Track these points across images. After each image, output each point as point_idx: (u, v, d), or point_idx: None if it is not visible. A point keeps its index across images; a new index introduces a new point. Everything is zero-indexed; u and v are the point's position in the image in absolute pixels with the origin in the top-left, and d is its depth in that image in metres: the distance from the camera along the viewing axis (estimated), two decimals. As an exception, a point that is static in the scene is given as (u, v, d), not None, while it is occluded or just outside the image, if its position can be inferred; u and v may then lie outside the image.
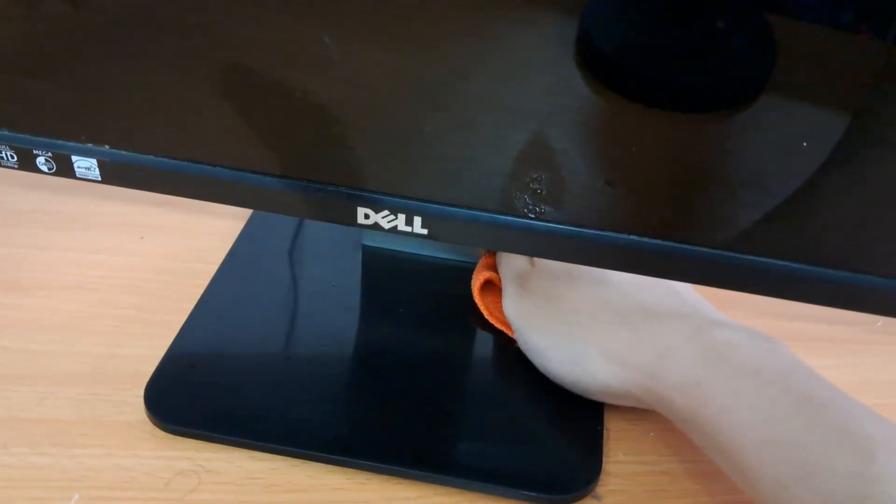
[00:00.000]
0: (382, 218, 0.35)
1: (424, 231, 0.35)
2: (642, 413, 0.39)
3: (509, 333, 0.41)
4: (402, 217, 0.35)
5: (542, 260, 0.40)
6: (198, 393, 0.37)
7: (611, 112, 0.30)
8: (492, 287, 0.44)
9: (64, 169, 0.35)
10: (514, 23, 0.28)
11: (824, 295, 0.34)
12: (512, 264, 0.42)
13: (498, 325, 0.42)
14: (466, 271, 0.45)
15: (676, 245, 0.33)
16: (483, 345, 0.42)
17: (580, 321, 0.37)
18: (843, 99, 0.28)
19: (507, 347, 0.41)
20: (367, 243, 0.48)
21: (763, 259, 0.33)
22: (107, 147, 0.35)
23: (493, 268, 0.44)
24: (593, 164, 0.32)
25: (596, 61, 0.29)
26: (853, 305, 0.34)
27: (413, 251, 0.48)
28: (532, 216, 0.34)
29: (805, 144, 0.30)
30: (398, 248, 0.48)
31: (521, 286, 0.40)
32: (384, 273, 0.46)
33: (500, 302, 0.42)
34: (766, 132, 0.30)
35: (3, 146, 0.35)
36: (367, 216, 0.35)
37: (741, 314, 0.47)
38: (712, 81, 0.29)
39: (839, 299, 0.34)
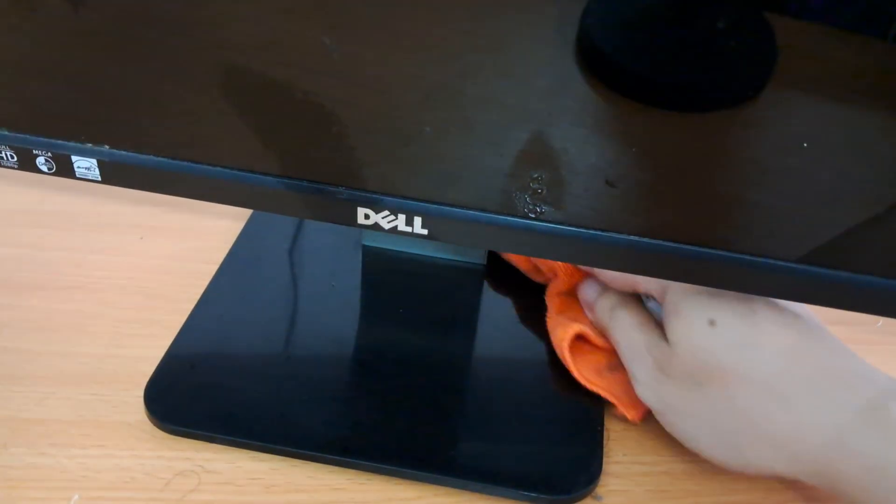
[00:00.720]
0: (383, 218, 0.35)
1: (425, 231, 0.35)
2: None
3: (608, 398, 0.38)
4: (402, 217, 0.35)
5: (685, 334, 0.34)
6: (198, 393, 0.37)
7: (611, 112, 0.30)
8: (583, 343, 0.39)
9: (64, 169, 0.35)
10: (515, 22, 0.28)
11: (825, 295, 0.34)
12: (641, 335, 0.36)
13: (593, 389, 0.38)
14: (466, 271, 0.45)
15: (676, 246, 0.33)
16: (483, 345, 0.42)
17: (735, 407, 0.33)
18: (846, 96, 0.28)
19: (507, 347, 0.41)
20: (366, 243, 0.48)
21: (764, 259, 0.33)
22: (107, 147, 0.35)
23: (579, 316, 0.40)
24: (594, 164, 0.32)
25: (596, 60, 0.29)
26: (854, 306, 0.34)
27: (413, 251, 0.48)
28: (532, 216, 0.34)
29: (805, 145, 0.30)
30: (398, 248, 0.48)
31: (659, 370, 0.35)
32: (384, 273, 0.46)
33: (595, 362, 0.38)
34: (767, 131, 0.30)
35: (3, 146, 0.35)
36: (367, 216, 0.35)
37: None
38: (712, 80, 0.29)
39: (839, 300, 0.34)
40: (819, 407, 0.31)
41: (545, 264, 0.43)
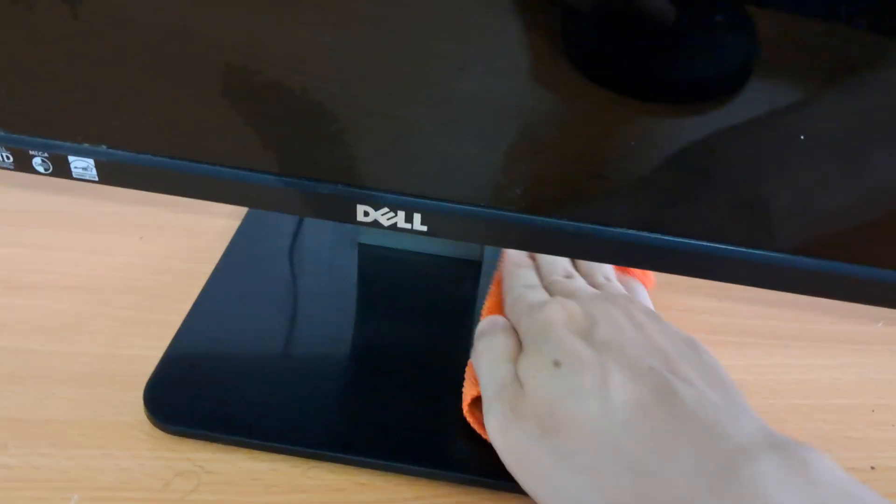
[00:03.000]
0: (382, 215, 0.35)
1: (424, 228, 0.35)
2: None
3: None
4: (401, 214, 0.35)
5: (532, 374, 0.32)
6: (198, 393, 0.37)
7: (602, 106, 0.30)
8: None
9: (61, 169, 0.35)
10: (506, 19, 0.28)
11: (826, 287, 0.34)
12: (496, 373, 0.33)
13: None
14: (462, 267, 0.44)
15: (669, 238, 0.33)
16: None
17: (581, 462, 0.29)
18: (835, 87, 0.28)
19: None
20: (363, 240, 0.48)
21: (760, 252, 0.33)
22: (104, 147, 0.34)
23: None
24: (586, 157, 0.32)
25: (584, 55, 0.29)
26: (856, 298, 0.34)
27: (410, 248, 0.48)
28: (529, 211, 0.34)
29: (802, 137, 0.30)
30: (395, 246, 0.48)
31: (511, 409, 0.32)
32: (381, 270, 0.46)
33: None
34: (755, 123, 0.30)
35: (-1, 147, 0.35)
36: (366, 213, 0.35)
37: (742, 312, 0.47)
38: (698, 73, 0.29)
39: (841, 291, 0.34)
40: (665, 470, 0.27)
41: None
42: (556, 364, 0.31)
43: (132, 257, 0.47)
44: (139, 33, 0.31)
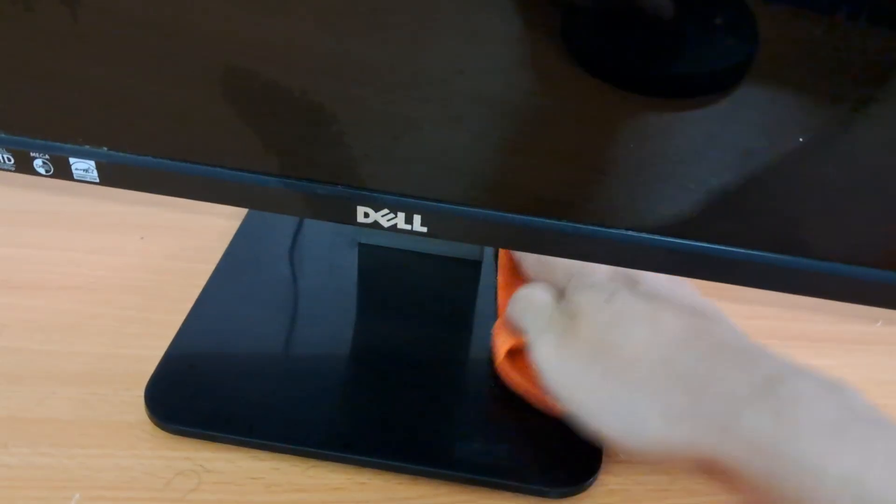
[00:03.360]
0: (382, 216, 0.35)
1: (424, 229, 0.35)
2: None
3: (541, 401, 0.37)
4: (401, 215, 0.35)
5: (583, 306, 0.35)
6: (198, 393, 0.37)
7: (602, 105, 0.30)
8: (519, 355, 0.38)
9: (61, 171, 0.35)
10: (505, 18, 0.28)
11: (826, 287, 0.34)
12: (543, 311, 0.36)
13: (534, 397, 0.37)
14: (462, 266, 0.44)
15: (669, 239, 0.33)
16: (481, 339, 0.42)
17: (635, 378, 0.32)
18: (831, 90, 0.28)
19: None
20: (363, 240, 0.48)
21: (759, 253, 0.33)
22: (105, 149, 0.34)
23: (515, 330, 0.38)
24: (587, 157, 0.32)
25: (585, 53, 0.29)
26: (856, 298, 0.34)
27: (410, 248, 0.48)
28: (529, 211, 0.34)
29: (801, 138, 0.30)
30: (395, 246, 0.48)
31: (562, 337, 0.34)
32: (381, 270, 0.46)
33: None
34: (755, 119, 0.30)
35: (0, 149, 0.35)
36: (366, 215, 0.35)
37: (741, 312, 0.47)
38: (699, 68, 0.29)
39: (840, 292, 0.34)
40: (714, 383, 0.31)
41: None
42: (608, 299, 0.34)
43: (133, 257, 0.47)
44: (139, 35, 0.31)
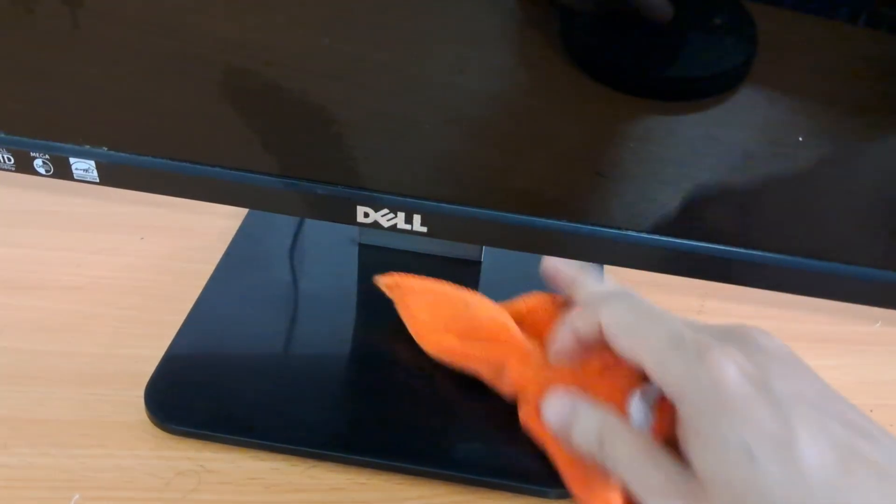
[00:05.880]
0: (382, 216, 0.35)
1: (424, 229, 0.35)
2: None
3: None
4: (401, 215, 0.35)
5: (716, 470, 0.25)
6: (198, 393, 0.37)
7: (601, 105, 0.30)
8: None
9: (61, 171, 0.35)
10: (505, 19, 0.28)
11: (826, 287, 0.34)
12: (650, 470, 0.27)
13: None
14: (464, 267, 0.44)
15: (669, 240, 0.33)
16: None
17: None
18: (831, 91, 0.28)
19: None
20: (363, 241, 0.48)
21: (759, 253, 0.33)
22: (105, 148, 0.35)
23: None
24: (587, 157, 0.32)
25: (584, 54, 0.29)
26: (856, 298, 0.34)
27: (410, 248, 0.48)
28: (529, 211, 0.34)
29: (801, 139, 0.30)
30: (395, 246, 0.48)
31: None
32: (381, 270, 0.46)
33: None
34: (754, 121, 0.30)
35: (0, 149, 0.35)
36: (366, 215, 0.35)
37: (741, 313, 0.47)
38: (697, 70, 0.29)
39: (840, 292, 0.34)
40: None
41: (511, 378, 0.35)
42: (750, 455, 0.24)
43: (133, 258, 0.47)
44: (140, 35, 0.31)
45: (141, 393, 0.37)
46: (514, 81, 0.30)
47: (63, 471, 0.34)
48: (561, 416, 0.30)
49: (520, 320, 0.35)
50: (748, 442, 0.25)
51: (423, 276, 0.39)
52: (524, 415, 0.32)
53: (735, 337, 0.28)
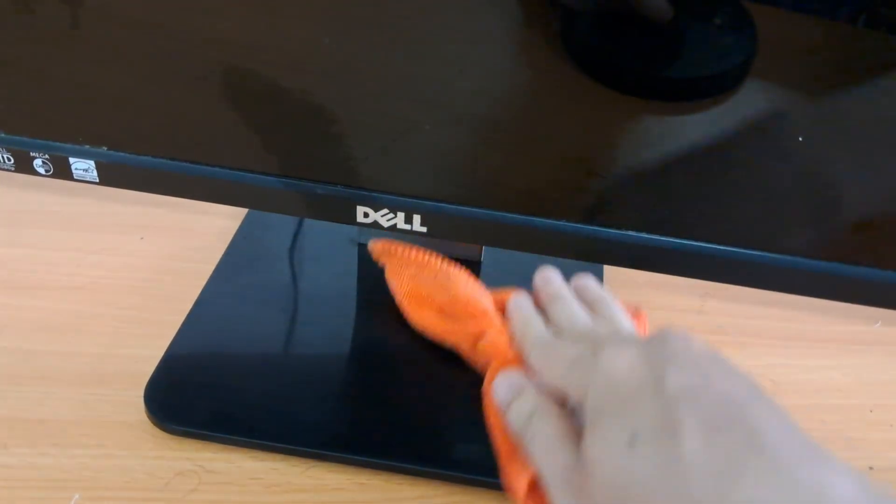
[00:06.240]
0: (382, 216, 0.35)
1: (424, 229, 0.35)
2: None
3: None
4: (401, 215, 0.35)
5: (601, 456, 0.26)
6: (198, 393, 0.37)
7: (601, 106, 0.30)
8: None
9: (61, 171, 0.35)
10: (505, 19, 0.28)
11: (826, 287, 0.34)
12: (554, 459, 0.28)
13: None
14: (464, 267, 0.44)
15: (669, 239, 0.33)
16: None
17: None
18: (830, 90, 0.28)
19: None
20: (363, 241, 0.48)
21: (759, 253, 0.33)
22: (105, 148, 0.35)
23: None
24: (586, 157, 0.32)
25: (584, 54, 0.29)
26: (855, 298, 0.34)
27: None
28: (528, 211, 0.34)
29: (801, 139, 0.30)
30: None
31: (578, 499, 0.27)
32: (381, 270, 0.46)
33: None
34: (754, 122, 0.30)
35: (0, 149, 0.35)
36: (366, 215, 0.35)
37: (741, 312, 0.47)
38: (697, 71, 0.29)
39: (840, 292, 0.34)
40: None
41: (485, 348, 0.35)
42: (632, 441, 0.25)
43: (133, 258, 0.47)
44: (140, 35, 0.31)
45: (141, 393, 0.37)
46: (514, 81, 0.30)
47: (63, 471, 0.34)
48: (506, 392, 0.31)
49: (501, 309, 0.35)
50: (631, 431, 0.25)
51: (414, 246, 0.39)
52: (486, 383, 0.33)
53: (649, 340, 0.28)
